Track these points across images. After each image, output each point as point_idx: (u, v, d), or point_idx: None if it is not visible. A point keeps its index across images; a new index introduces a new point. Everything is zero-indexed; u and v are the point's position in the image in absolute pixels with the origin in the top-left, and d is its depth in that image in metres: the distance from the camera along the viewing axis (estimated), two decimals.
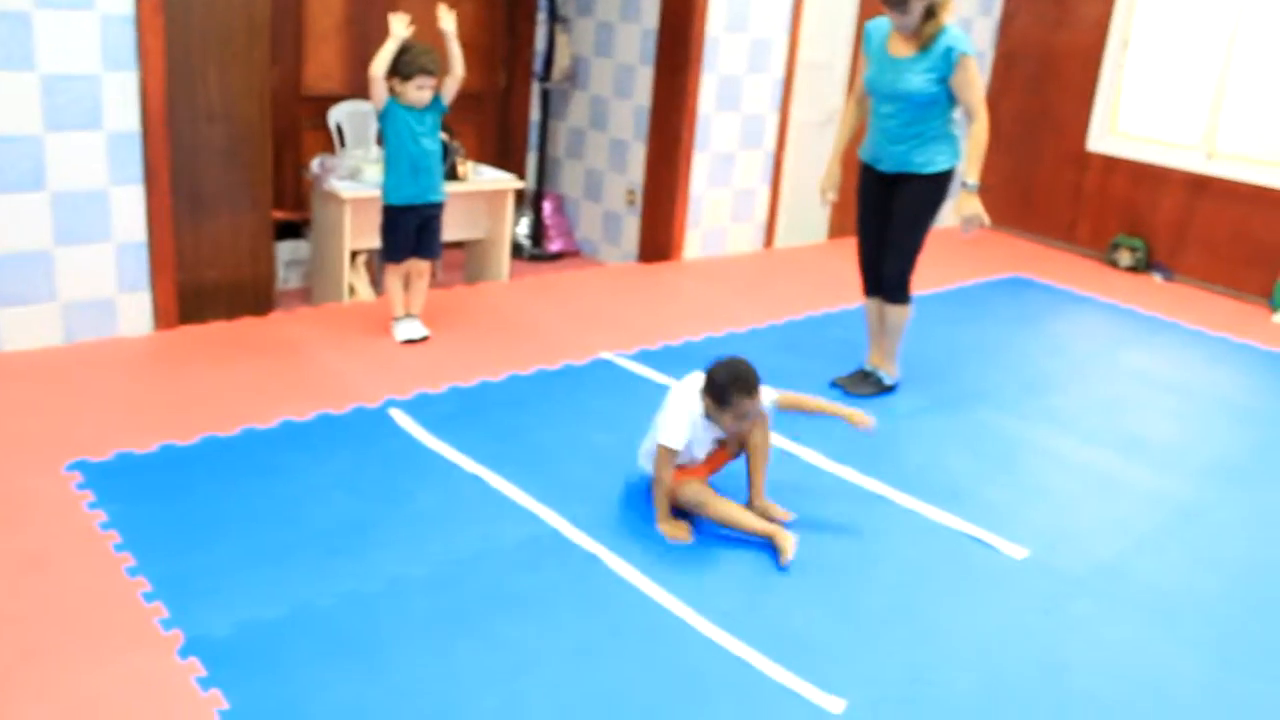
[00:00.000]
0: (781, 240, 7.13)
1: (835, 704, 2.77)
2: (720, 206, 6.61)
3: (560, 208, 6.93)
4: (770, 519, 3.59)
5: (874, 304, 4.87)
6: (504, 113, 6.81)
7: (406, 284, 4.97)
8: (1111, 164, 7.70)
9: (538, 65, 6.79)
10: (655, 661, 2.87)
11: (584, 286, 5.97)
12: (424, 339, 4.91)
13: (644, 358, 4.94)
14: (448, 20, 4.72)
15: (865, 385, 4.83)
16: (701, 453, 3.61)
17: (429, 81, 4.63)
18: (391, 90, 4.63)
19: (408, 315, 4.97)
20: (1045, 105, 7.97)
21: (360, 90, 6.02)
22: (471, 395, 4.41)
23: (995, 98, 8.19)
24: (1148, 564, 3.65)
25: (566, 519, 3.51)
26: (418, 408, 4.22)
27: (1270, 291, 6.98)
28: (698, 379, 3.53)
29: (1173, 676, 3.06)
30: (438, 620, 2.95)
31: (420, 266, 4.96)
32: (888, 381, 4.85)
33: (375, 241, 5.47)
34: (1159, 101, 7.55)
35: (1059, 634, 3.20)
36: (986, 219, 4.57)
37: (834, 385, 4.82)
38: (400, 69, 4.60)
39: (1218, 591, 3.54)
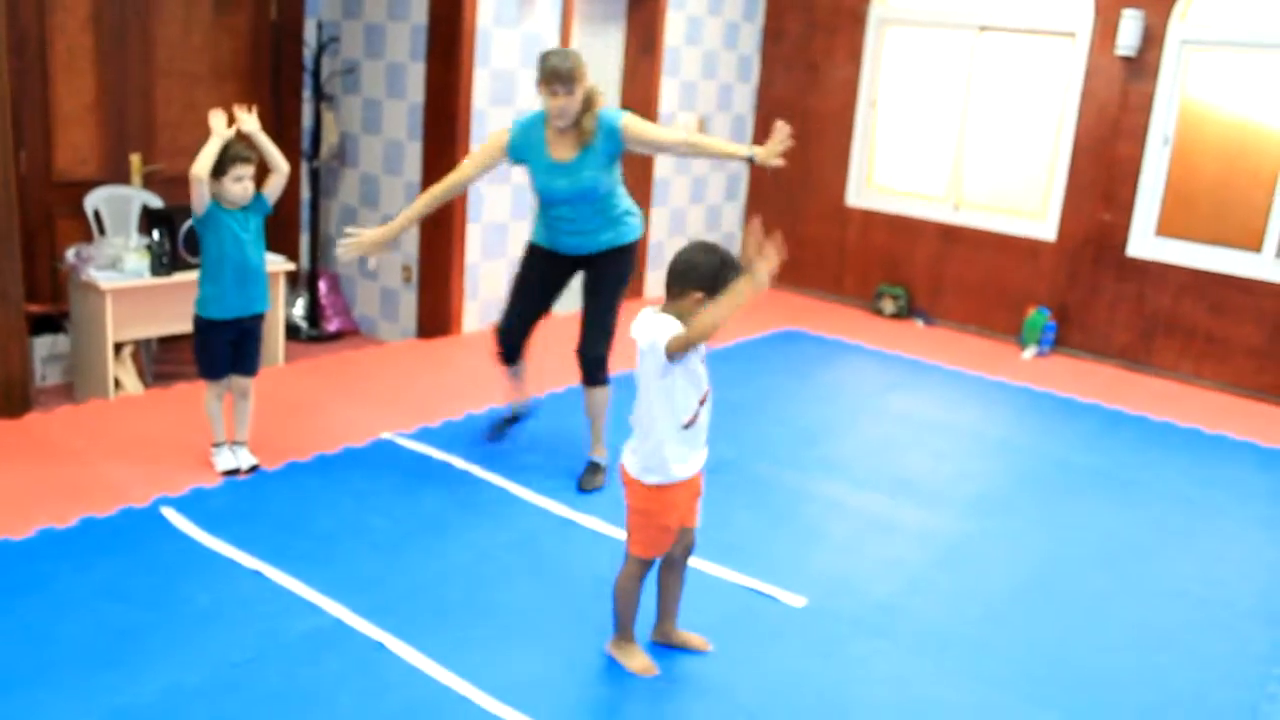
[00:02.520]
0: (560, 306, 7.20)
1: None
2: (496, 276, 6.65)
3: (336, 286, 6.84)
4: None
5: (517, 366, 4.75)
6: None
7: (228, 406, 4.49)
8: (870, 217, 8.14)
9: (306, 144, 6.72)
10: None
11: (363, 366, 5.89)
12: (252, 469, 4.42)
13: (425, 435, 4.91)
14: (250, 121, 4.29)
15: (598, 477, 4.60)
16: (696, 394, 3.17)
17: (247, 170, 4.21)
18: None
19: (230, 442, 4.49)
20: (805, 165, 8.35)
21: (118, 175, 5.82)
22: (248, 487, 4.28)
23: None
24: (919, 601, 3.84)
25: (349, 608, 3.44)
26: (191, 505, 4.07)
27: (1019, 330, 7.49)
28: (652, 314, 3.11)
29: (941, 705, 3.22)
30: None
31: (242, 385, 4.47)
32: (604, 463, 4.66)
33: (139, 331, 5.28)
34: (909, 157, 8.04)
35: (839, 676, 3.33)
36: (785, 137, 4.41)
37: (580, 491, 4.52)
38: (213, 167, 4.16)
39: (982, 620, 3.75)
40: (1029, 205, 7.57)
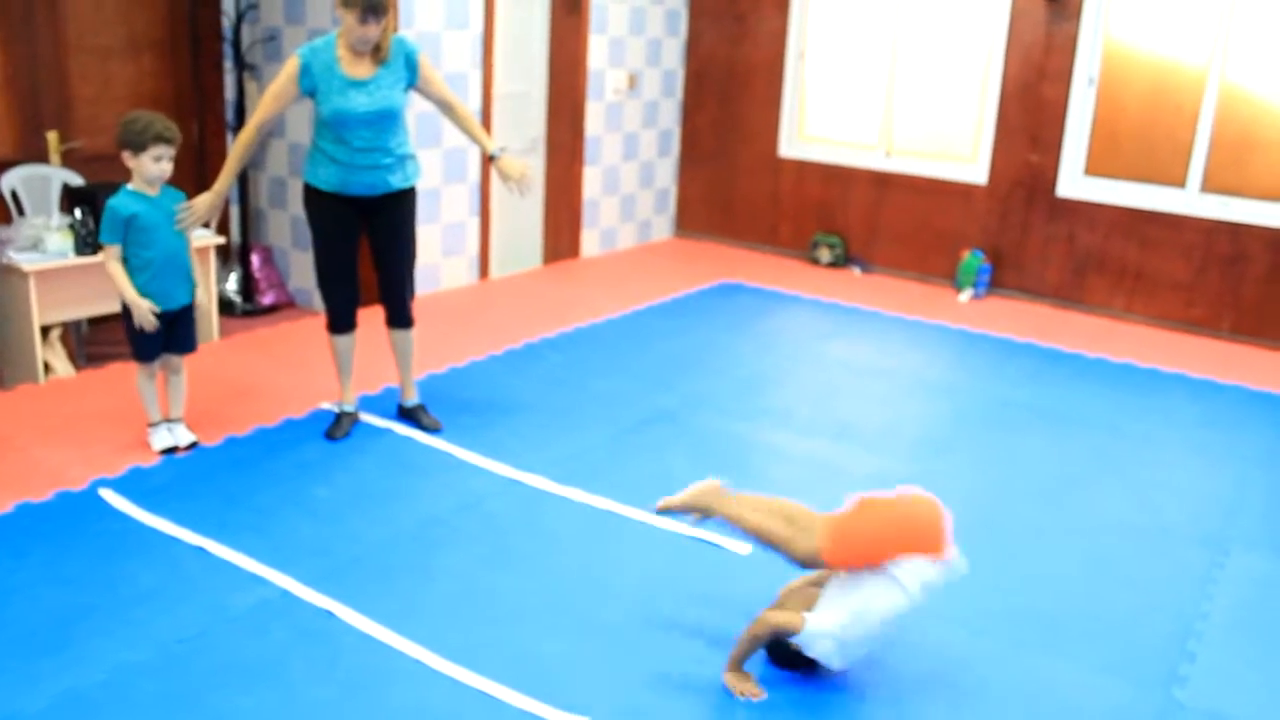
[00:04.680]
0: (496, 271, 7.18)
1: None
2: (430, 242, 6.59)
3: (269, 259, 6.74)
4: None
5: (353, 336, 4.60)
6: (199, 167, 6.57)
7: (161, 384, 4.41)
8: (803, 168, 8.16)
9: (230, 116, 6.59)
10: (396, 709, 2.84)
11: (299, 338, 5.83)
12: (190, 446, 4.36)
13: (365, 403, 4.87)
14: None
15: (428, 415, 4.70)
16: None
17: (168, 151, 4.09)
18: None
19: (166, 420, 4.41)
20: (737, 117, 8.35)
21: (34, 154, 5.68)
22: (188, 464, 4.23)
23: (690, 113, 8.54)
24: None
25: (295, 578, 3.42)
26: (130, 485, 4.01)
27: (954, 273, 7.57)
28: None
29: (888, 640, 3.27)
30: (166, 704, 2.82)
31: (175, 363, 4.39)
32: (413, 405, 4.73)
33: (66, 313, 5.17)
34: (840, 106, 8.05)
35: None
36: (530, 171, 4.49)
37: (431, 431, 4.60)
38: (132, 139, 4.04)
39: None
40: (960, 149, 7.62)
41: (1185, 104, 6.91)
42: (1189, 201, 6.97)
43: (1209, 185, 6.95)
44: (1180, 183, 7.01)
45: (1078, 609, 3.57)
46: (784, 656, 3.08)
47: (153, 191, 4.15)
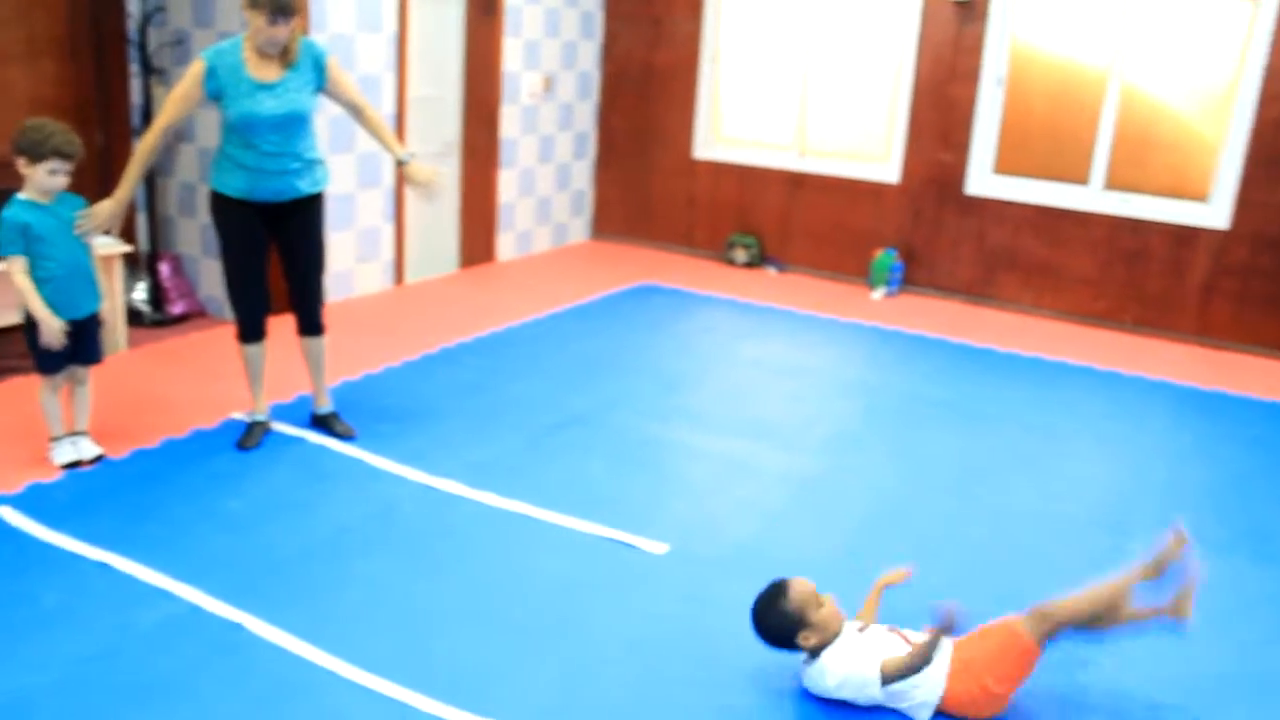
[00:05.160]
0: (412, 276, 7.13)
1: None
2: (344, 248, 6.53)
3: (179, 268, 6.62)
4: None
5: (263, 345, 4.55)
6: (103, 174, 6.43)
7: (65, 397, 4.29)
8: (719, 169, 8.22)
9: (136, 121, 6.47)
10: (303, 718, 2.82)
11: (210, 347, 5.73)
12: (95, 459, 4.23)
13: (278, 412, 4.81)
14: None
15: (341, 422, 4.65)
16: (893, 645, 3.06)
17: (64, 166, 3.97)
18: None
19: (70, 434, 4.26)
20: (653, 119, 8.39)
21: None
22: (92, 479, 4.14)
23: (606, 116, 8.56)
24: (779, 539, 3.93)
25: (205, 592, 3.37)
26: (30, 501, 3.92)
27: (867, 271, 7.67)
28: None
29: None
30: None
31: (80, 374, 4.26)
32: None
33: None
34: (755, 107, 8.12)
35: (702, 617, 3.39)
36: (439, 178, 4.46)
37: (343, 438, 4.58)
38: (30, 147, 3.91)
39: (840, 552, 3.87)
40: (873, 149, 7.73)
41: (1088, 104, 7.09)
42: (1093, 199, 7.14)
43: (1112, 183, 7.14)
44: (1084, 180, 7.19)
45: (986, 595, 3.63)
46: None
47: (46, 200, 4.05)
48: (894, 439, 4.97)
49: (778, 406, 5.27)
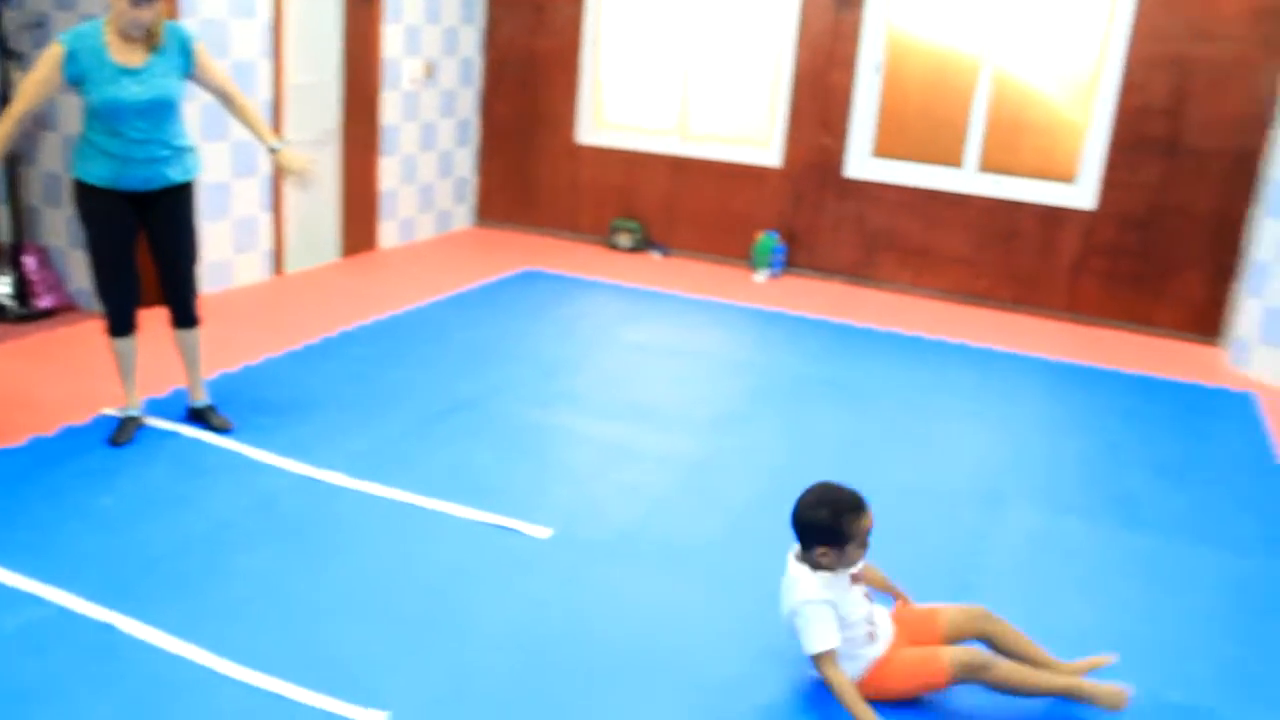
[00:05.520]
0: (292, 265, 7.00)
1: (375, 717, 2.79)
2: (220, 238, 6.38)
3: (46, 260, 6.40)
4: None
5: (134, 338, 4.40)
6: None
7: None
8: (602, 154, 8.22)
9: None
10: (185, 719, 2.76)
11: (80, 341, 5.56)
12: None
13: (152, 406, 4.69)
14: None
15: (218, 415, 4.56)
16: (861, 613, 2.99)
17: None
18: None
19: None
20: (536, 105, 8.35)
21: None
22: None
23: (489, 102, 8.49)
24: (662, 522, 3.96)
25: (75, 593, 3.27)
26: None
27: (750, 254, 7.76)
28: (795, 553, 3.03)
29: (687, 616, 3.35)
30: None
31: None
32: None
33: None
34: (637, 93, 8.14)
35: (586, 601, 3.41)
36: (312, 166, 4.42)
37: (220, 432, 4.48)
38: None
39: (724, 533, 3.91)
40: (754, 134, 7.81)
41: (962, 90, 7.26)
42: (968, 181, 7.33)
43: (985, 165, 7.33)
44: (959, 163, 7.36)
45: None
46: None
47: None
48: (777, 419, 5.05)
49: (662, 390, 5.31)
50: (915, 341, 6.39)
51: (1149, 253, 7.00)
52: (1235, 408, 5.76)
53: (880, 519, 4.08)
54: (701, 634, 3.28)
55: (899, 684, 2.99)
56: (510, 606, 3.35)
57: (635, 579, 3.56)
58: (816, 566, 2.95)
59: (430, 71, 7.88)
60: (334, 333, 5.80)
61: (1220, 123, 6.71)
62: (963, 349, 6.33)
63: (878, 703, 2.94)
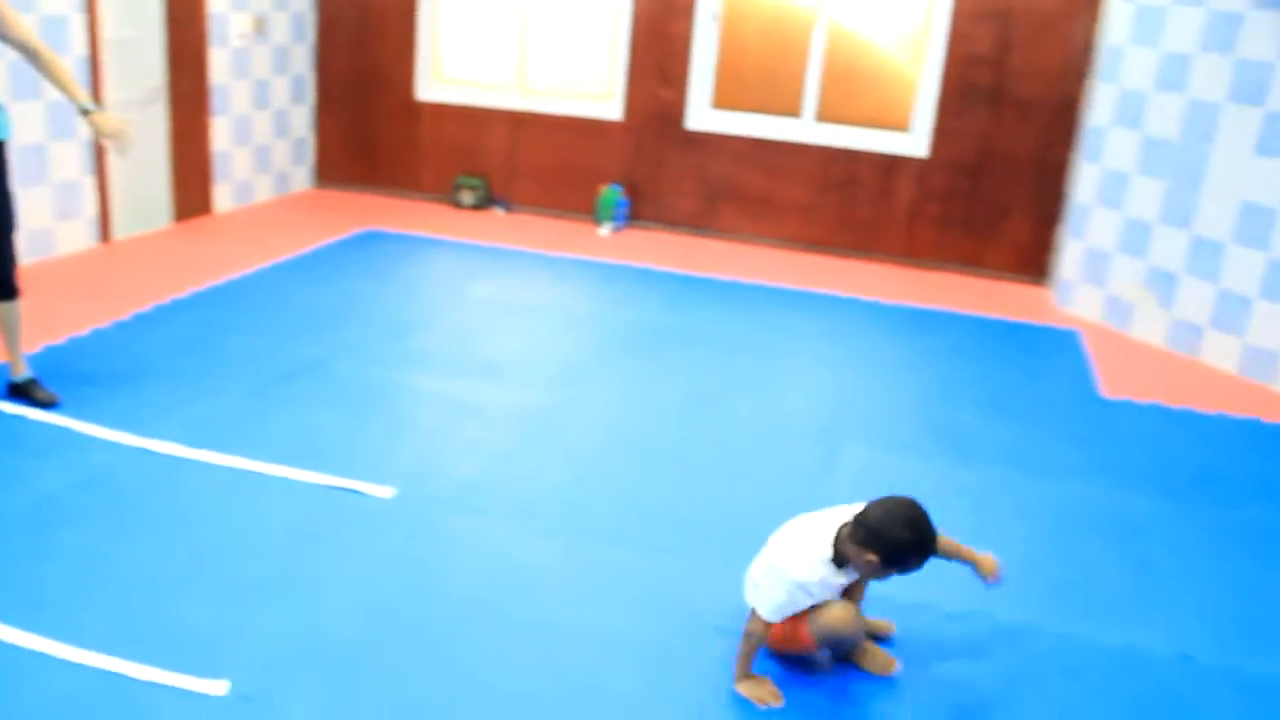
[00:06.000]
0: (121, 232, 6.73)
1: (216, 686, 2.74)
2: (39, 205, 6.09)
3: None
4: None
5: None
6: None
7: None
8: (441, 110, 8.10)
9: None
10: (17, 710, 2.66)
11: None
12: None
13: None
14: None
15: (42, 389, 4.34)
16: (820, 595, 2.91)
17: None
18: None
19: None
20: (372, 62, 8.17)
21: None
22: None
23: (324, 59, 8.27)
24: (509, 475, 3.97)
25: None
26: None
27: (594, 208, 7.77)
28: (836, 519, 2.88)
29: (534, 566, 3.37)
30: None
31: None
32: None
33: None
34: (475, 47, 8.03)
35: (431, 556, 3.40)
36: (128, 128, 4.24)
37: (47, 407, 4.27)
38: None
39: (570, 482, 3.94)
40: (595, 87, 7.79)
41: (798, 41, 7.37)
42: (806, 130, 7.45)
43: (823, 115, 7.47)
44: (797, 113, 7.48)
45: (708, 511, 3.81)
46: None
47: None
48: (622, 370, 5.09)
49: (506, 345, 5.30)
50: (757, 289, 6.50)
51: (979, 198, 7.25)
52: (1060, 344, 6.04)
53: (725, 462, 4.19)
54: (549, 583, 3.31)
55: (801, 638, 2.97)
56: (354, 567, 3.32)
57: (481, 533, 3.56)
58: (839, 556, 2.84)
59: (260, 26, 7.63)
60: (166, 300, 5.61)
61: (1042, 72, 6.97)
62: (803, 295, 6.47)
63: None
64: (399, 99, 8.19)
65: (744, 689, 2.88)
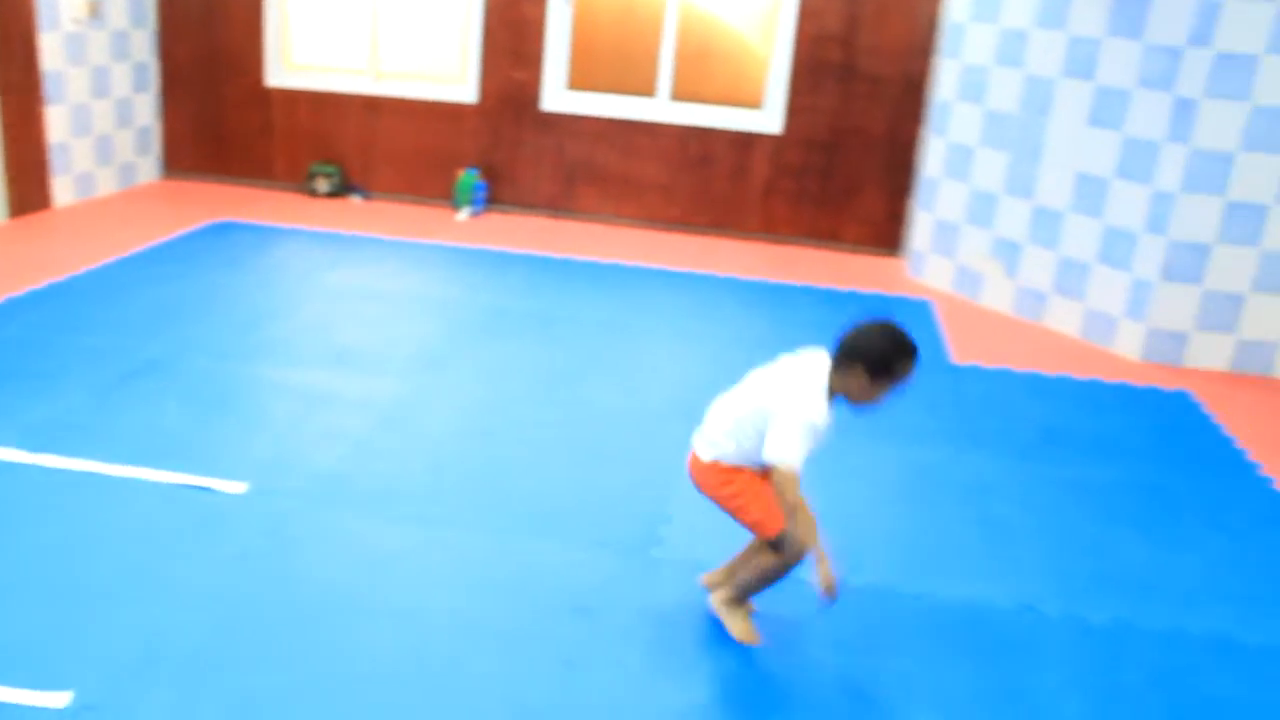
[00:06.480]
0: None
1: (58, 699, 2.65)
2: None
3: None
4: None
5: None
6: None
7: None
8: (293, 97, 7.91)
9: None
10: None
11: None
12: None
13: None
14: None
15: None
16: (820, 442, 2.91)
17: None
18: None
19: None
20: (219, 47, 7.93)
21: None
22: None
23: (168, 44, 7.99)
24: (365, 465, 3.92)
25: None
26: None
27: (452, 193, 7.70)
28: (818, 359, 2.88)
29: (394, 554, 3.34)
30: None
31: None
32: None
33: None
34: (326, 31, 7.86)
35: (288, 550, 3.34)
36: None
37: None
38: None
39: (428, 469, 3.91)
40: (449, 70, 7.70)
41: (651, 20, 7.39)
42: (661, 110, 7.49)
43: (677, 94, 7.51)
44: (652, 93, 7.51)
45: (567, 493, 3.81)
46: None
47: None
48: (480, 355, 5.06)
49: (362, 334, 5.22)
50: (616, 269, 6.53)
51: (833, 173, 7.39)
52: (914, 314, 6.21)
53: (585, 443, 4.21)
54: (408, 571, 3.28)
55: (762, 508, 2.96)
56: (205, 566, 3.24)
57: (337, 524, 3.51)
58: (833, 391, 2.85)
59: (94, 10, 7.34)
60: (1, 299, 5.38)
61: (890, 49, 7.13)
62: (662, 274, 6.51)
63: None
64: (249, 85, 7.97)
65: (822, 570, 2.78)
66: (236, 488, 3.68)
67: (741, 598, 3.11)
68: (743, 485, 2.96)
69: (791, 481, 2.76)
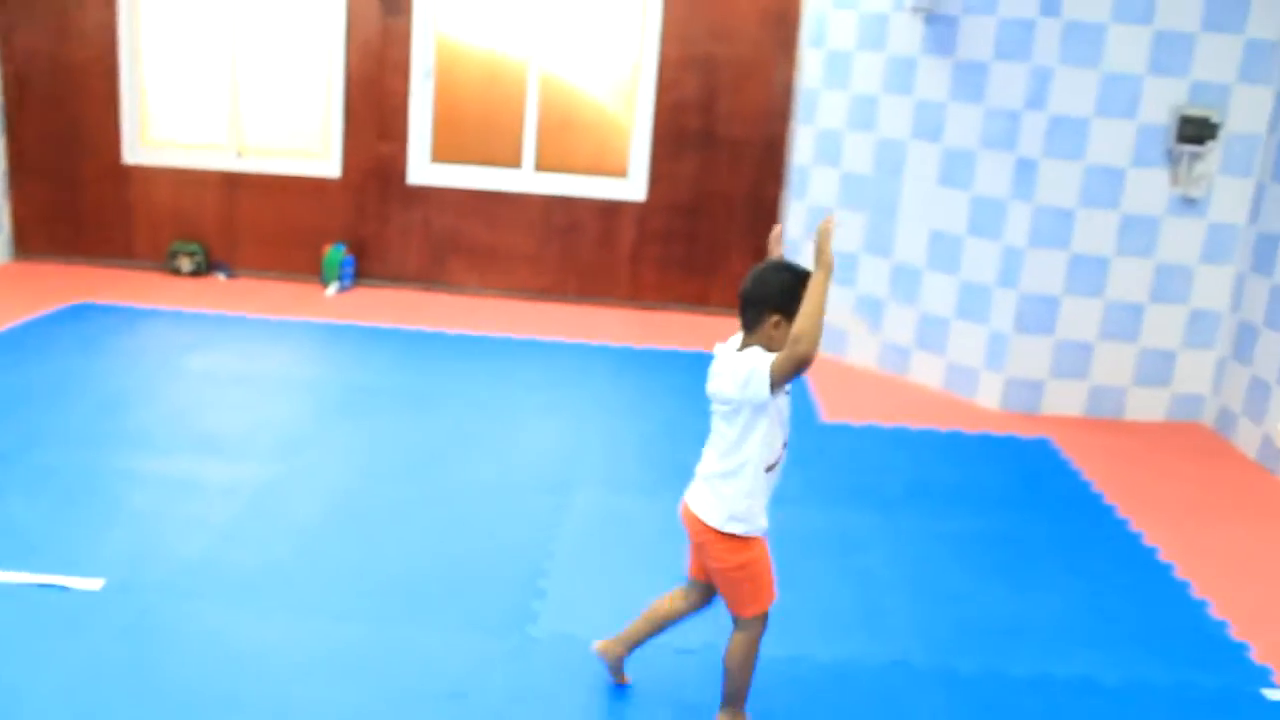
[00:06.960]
0: None
1: None
2: None
3: None
4: None
5: None
6: None
7: None
8: (151, 174, 7.76)
9: None
10: None
11: None
12: None
13: None
14: None
15: None
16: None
17: None
18: None
19: None
20: (72, 123, 7.74)
21: None
22: None
23: (15, 121, 7.76)
24: (230, 554, 3.82)
25: None
26: None
27: (319, 269, 7.62)
28: (733, 342, 2.82)
29: (260, 647, 3.25)
30: None
31: None
32: None
33: None
34: (187, 106, 7.74)
35: (148, 648, 3.23)
36: None
37: None
38: None
39: (294, 556, 3.83)
40: (311, 145, 7.65)
41: (513, 93, 7.47)
42: (526, 180, 7.55)
43: (541, 164, 7.58)
44: (517, 164, 7.57)
45: (439, 574, 3.77)
46: None
47: None
48: (347, 435, 4.99)
49: (227, 418, 5.10)
50: (485, 341, 6.52)
51: (698, 238, 7.52)
52: None
53: (453, 521, 4.17)
54: (275, 664, 3.20)
55: (759, 568, 2.90)
56: (59, 669, 3.11)
57: (201, 617, 3.41)
58: (766, 348, 2.73)
59: None
60: None
61: (747, 115, 7.32)
62: (531, 344, 6.53)
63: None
64: (105, 162, 7.78)
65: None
66: (93, 584, 3.55)
67: (738, 705, 3.01)
68: (755, 555, 2.87)
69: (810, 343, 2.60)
